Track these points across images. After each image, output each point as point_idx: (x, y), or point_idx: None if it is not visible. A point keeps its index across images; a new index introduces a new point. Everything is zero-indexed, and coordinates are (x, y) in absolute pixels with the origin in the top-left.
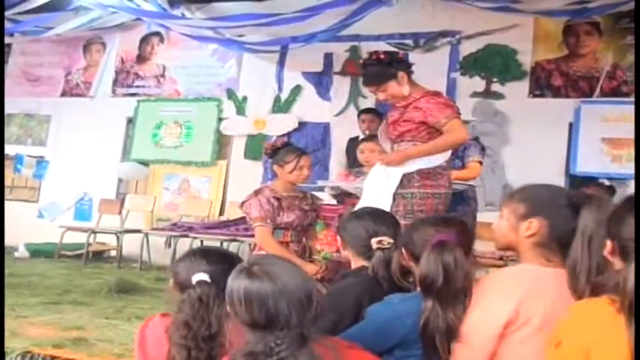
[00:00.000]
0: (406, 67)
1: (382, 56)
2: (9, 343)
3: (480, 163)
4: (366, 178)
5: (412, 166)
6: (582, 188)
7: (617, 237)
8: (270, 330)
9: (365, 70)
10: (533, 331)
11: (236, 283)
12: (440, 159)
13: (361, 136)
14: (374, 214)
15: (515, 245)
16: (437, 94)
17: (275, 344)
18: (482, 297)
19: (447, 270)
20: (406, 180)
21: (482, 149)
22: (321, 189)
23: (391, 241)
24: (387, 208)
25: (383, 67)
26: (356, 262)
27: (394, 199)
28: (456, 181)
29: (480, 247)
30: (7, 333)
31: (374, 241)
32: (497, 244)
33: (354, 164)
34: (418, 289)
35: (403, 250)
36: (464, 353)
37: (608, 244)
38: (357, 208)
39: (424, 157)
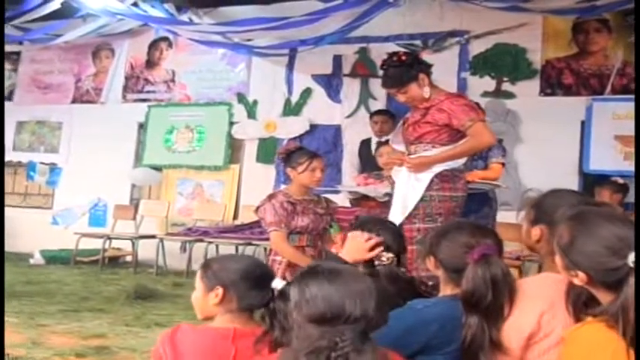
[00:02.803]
0: (426, 68)
1: (403, 58)
2: (31, 353)
3: (503, 165)
4: (396, 182)
5: (438, 168)
6: (596, 188)
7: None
8: (334, 325)
9: (385, 72)
10: (556, 342)
11: (302, 281)
12: (461, 160)
13: (373, 138)
14: (373, 225)
15: (535, 250)
16: (460, 96)
17: (340, 339)
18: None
19: (495, 285)
20: None
21: (504, 151)
22: (336, 192)
23: (390, 255)
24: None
25: (404, 69)
26: (361, 269)
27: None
28: (482, 181)
29: None
30: (28, 342)
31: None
32: (524, 245)
33: (366, 166)
34: (440, 294)
35: (431, 258)
36: None
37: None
38: (390, 214)
39: (450, 161)
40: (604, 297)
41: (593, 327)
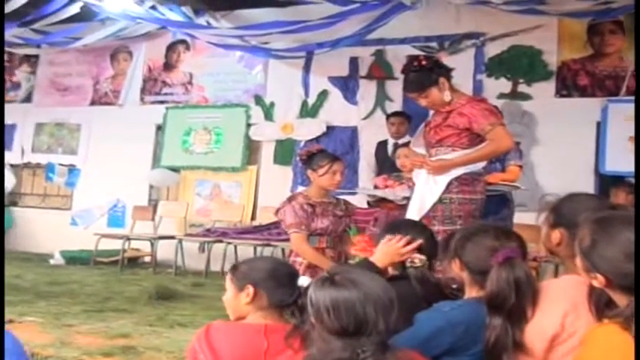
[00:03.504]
0: (447, 72)
1: (424, 62)
2: (60, 353)
3: (520, 167)
4: (416, 184)
5: (457, 171)
6: (612, 189)
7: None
8: (357, 337)
9: (405, 76)
10: (579, 343)
11: (321, 293)
12: (481, 164)
13: (390, 140)
14: (406, 227)
15: (555, 253)
16: (482, 100)
17: (362, 351)
18: (537, 308)
19: (518, 288)
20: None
21: (521, 153)
22: (353, 193)
23: (423, 257)
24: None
25: (425, 74)
26: (392, 271)
27: (434, 204)
28: (501, 183)
29: None
30: (56, 342)
31: (407, 260)
32: (543, 248)
33: (383, 167)
34: (465, 296)
35: (456, 260)
36: None
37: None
38: (407, 213)
39: (469, 164)
40: (621, 300)
41: (607, 329)
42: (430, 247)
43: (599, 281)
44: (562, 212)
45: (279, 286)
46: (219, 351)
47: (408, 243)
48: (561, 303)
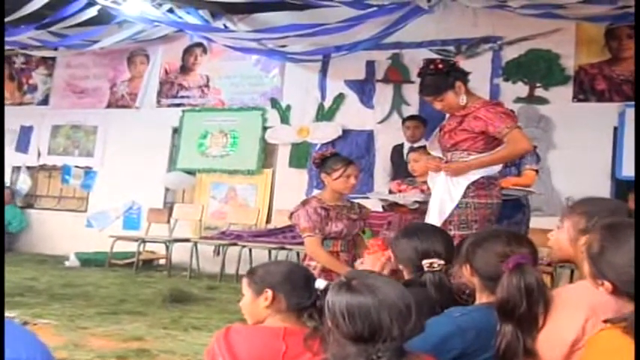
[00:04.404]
0: (463, 76)
1: (440, 66)
2: (73, 355)
3: (537, 171)
4: (434, 188)
5: (475, 175)
6: (630, 194)
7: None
8: (372, 342)
9: (422, 80)
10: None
11: (337, 298)
12: (497, 167)
13: (406, 143)
14: (424, 232)
15: (573, 259)
16: (497, 104)
17: (376, 356)
18: (552, 315)
19: (529, 294)
20: None
21: (538, 158)
22: (367, 197)
23: (442, 262)
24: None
25: (441, 77)
26: (408, 275)
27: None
28: (516, 188)
29: None
30: (69, 345)
31: (424, 263)
32: (553, 256)
33: (398, 171)
34: (477, 302)
35: (467, 266)
36: None
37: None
38: (428, 218)
39: (487, 167)
40: (626, 307)
41: (609, 333)
42: (448, 252)
43: (605, 288)
44: (599, 217)
45: (296, 289)
46: (238, 353)
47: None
48: (581, 308)
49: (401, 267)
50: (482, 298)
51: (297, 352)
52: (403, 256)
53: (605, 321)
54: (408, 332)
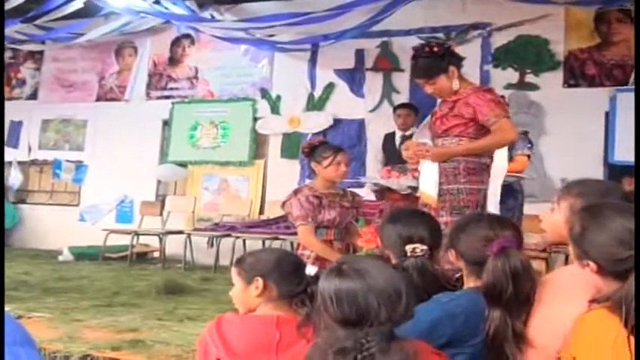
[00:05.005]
0: (457, 61)
1: (435, 49)
2: (68, 348)
3: (528, 157)
4: (421, 174)
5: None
6: (626, 179)
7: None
8: (360, 326)
9: (416, 62)
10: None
11: (327, 282)
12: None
13: (397, 132)
14: (409, 217)
15: (567, 240)
16: (488, 90)
17: (365, 340)
18: (550, 297)
19: (515, 278)
20: (452, 176)
21: (530, 143)
22: (361, 185)
23: (424, 247)
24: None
25: (435, 61)
26: (394, 261)
27: (440, 195)
28: (507, 174)
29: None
30: (64, 337)
31: (408, 248)
32: (547, 238)
33: (390, 159)
34: (465, 286)
35: (452, 251)
36: (536, 356)
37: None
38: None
39: (471, 154)
40: (611, 286)
41: (597, 313)
42: (432, 238)
43: (590, 268)
44: (596, 198)
45: (287, 276)
46: (231, 343)
47: None
48: (585, 288)
49: (387, 252)
50: (469, 282)
51: (290, 340)
52: (388, 241)
53: (592, 301)
54: (397, 317)
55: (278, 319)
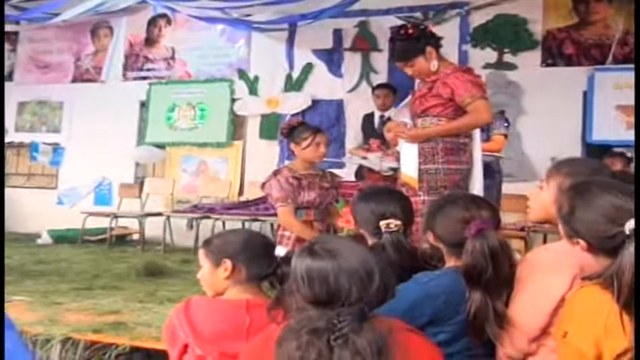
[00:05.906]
0: (435, 41)
1: (411, 31)
2: (48, 330)
3: (505, 136)
4: (401, 155)
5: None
6: (608, 159)
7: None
8: (331, 306)
9: (393, 45)
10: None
11: (299, 262)
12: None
13: (376, 112)
14: (380, 194)
15: (554, 219)
16: (467, 70)
17: (337, 320)
18: (530, 276)
19: (494, 259)
20: (430, 156)
21: (507, 123)
22: (340, 166)
23: (398, 223)
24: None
25: (411, 43)
26: (371, 240)
27: (419, 175)
28: (484, 153)
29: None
30: (44, 320)
31: (382, 224)
32: (533, 216)
33: (369, 140)
34: (446, 266)
35: (430, 232)
36: (518, 335)
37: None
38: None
39: (446, 135)
40: (603, 263)
41: (589, 290)
42: (405, 213)
43: (581, 246)
44: (584, 176)
45: (256, 257)
46: (199, 327)
47: None
48: (570, 264)
49: (362, 231)
50: (450, 261)
51: (261, 323)
52: (362, 219)
53: (584, 278)
54: (370, 297)
55: (248, 303)
